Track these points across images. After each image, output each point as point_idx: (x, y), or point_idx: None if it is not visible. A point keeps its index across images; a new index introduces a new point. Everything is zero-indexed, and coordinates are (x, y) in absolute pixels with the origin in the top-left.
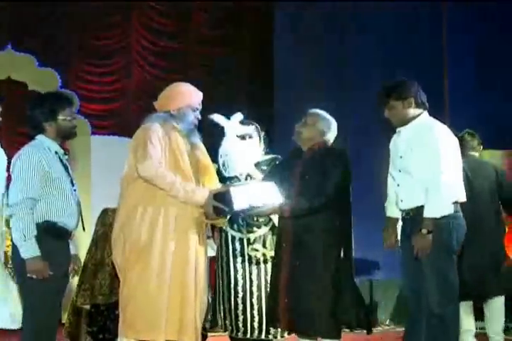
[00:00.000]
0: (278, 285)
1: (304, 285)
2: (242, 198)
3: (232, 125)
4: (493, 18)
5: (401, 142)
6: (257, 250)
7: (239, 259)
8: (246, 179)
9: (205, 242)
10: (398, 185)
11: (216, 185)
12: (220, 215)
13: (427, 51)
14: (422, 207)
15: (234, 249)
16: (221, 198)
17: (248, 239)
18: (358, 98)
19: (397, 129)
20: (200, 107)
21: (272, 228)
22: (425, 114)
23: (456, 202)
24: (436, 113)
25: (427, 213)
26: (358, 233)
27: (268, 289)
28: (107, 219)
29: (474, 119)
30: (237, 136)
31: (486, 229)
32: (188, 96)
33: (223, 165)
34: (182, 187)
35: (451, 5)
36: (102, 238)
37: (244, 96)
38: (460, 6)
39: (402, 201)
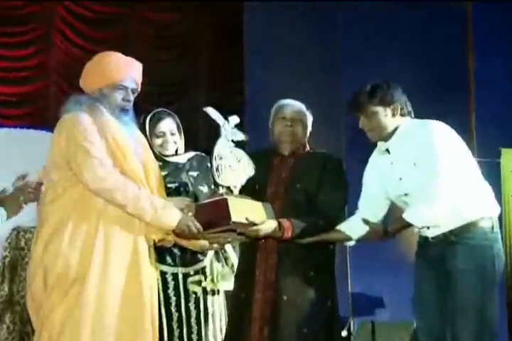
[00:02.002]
0: (249, 324)
1: (293, 326)
2: (239, 210)
3: (229, 128)
4: None
5: (395, 161)
6: (198, 283)
7: (172, 301)
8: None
9: (155, 269)
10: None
11: (164, 195)
12: (208, 230)
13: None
14: (454, 229)
15: (165, 288)
16: (213, 209)
17: (186, 274)
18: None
19: (380, 146)
20: (135, 85)
21: (217, 255)
22: (409, 119)
23: (490, 218)
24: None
25: (407, 215)
26: (357, 263)
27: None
28: (18, 241)
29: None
30: (232, 141)
31: None
32: (110, 70)
33: (217, 170)
34: (149, 203)
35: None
36: (11, 267)
37: (207, 76)
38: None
39: (428, 228)
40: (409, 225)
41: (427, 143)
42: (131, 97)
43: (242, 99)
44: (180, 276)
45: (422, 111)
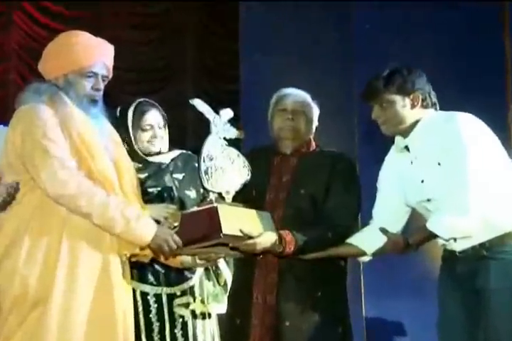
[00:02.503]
0: None
1: None
2: (231, 221)
3: (220, 123)
4: None
5: (416, 160)
6: (186, 306)
7: (155, 326)
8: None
9: (130, 287)
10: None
11: (140, 201)
12: (194, 244)
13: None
14: (486, 242)
15: (147, 312)
16: (201, 219)
17: (171, 295)
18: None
19: (398, 142)
20: (106, 71)
21: (207, 272)
22: (432, 111)
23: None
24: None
25: (430, 225)
26: (373, 282)
27: None
28: None
29: None
30: (224, 138)
31: None
32: (77, 54)
33: (205, 172)
34: (120, 213)
35: None
36: None
37: (195, 61)
38: None
39: (455, 241)
40: (433, 236)
41: (454, 138)
42: (102, 85)
43: (236, 89)
44: (165, 298)
45: (449, 105)
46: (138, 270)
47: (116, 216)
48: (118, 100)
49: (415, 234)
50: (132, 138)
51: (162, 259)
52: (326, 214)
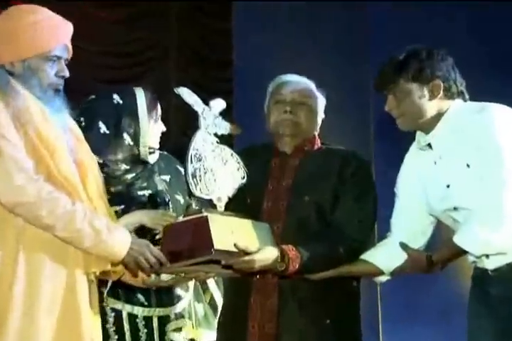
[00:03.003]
0: None
1: None
2: (224, 234)
3: (211, 116)
4: None
5: (440, 161)
6: (178, 330)
7: None
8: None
9: (98, 311)
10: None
11: (106, 207)
12: (179, 261)
13: None
14: None
15: (135, 338)
16: (188, 231)
17: (164, 318)
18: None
19: (419, 138)
20: (67, 54)
21: (195, 292)
22: (459, 102)
23: None
24: None
25: (458, 239)
26: (391, 307)
27: None
28: None
29: None
30: (215, 135)
31: None
32: (40, 35)
33: (193, 176)
34: (88, 224)
35: None
36: None
37: (180, 44)
38: None
39: (488, 257)
40: (462, 252)
41: (486, 135)
42: (67, 72)
43: (229, 76)
44: (156, 320)
45: (482, 95)
46: (125, 288)
47: (84, 227)
48: (89, 89)
49: (440, 249)
50: (144, 131)
51: (127, 277)
52: (336, 225)
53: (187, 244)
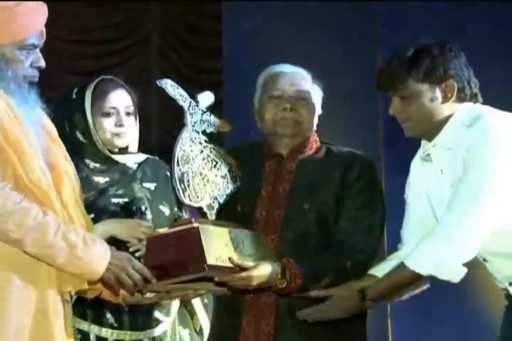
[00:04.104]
0: None
1: None
2: (217, 247)
3: (198, 112)
4: None
5: (441, 176)
6: None
7: None
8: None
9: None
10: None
11: (84, 216)
12: (166, 279)
13: None
14: None
15: None
16: (177, 244)
17: None
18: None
19: (423, 146)
20: (41, 41)
21: (180, 315)
22: (468, 105)
23: None
24: None
25: (409, 260)
26: (403, 329)
27: None
28: None
29: None
30: (203, 133)
31: None
32: (14, 21)
33: (180, 180)
34: (61, 237)
35: None
36: None
37: (162, 27)
38: None
39: (501, 272)
40: (405, 284)
41: (473, 155)
42: (43, 62)
43: (218, 66)
44: None
45: (494, 101)
46: (93, 308)
47: (56, 242)
48: (60, 81)
49: (377, 283)
50: (92, 127)
51: (104, 294)
52: (340, 236)
53: (175, 258)
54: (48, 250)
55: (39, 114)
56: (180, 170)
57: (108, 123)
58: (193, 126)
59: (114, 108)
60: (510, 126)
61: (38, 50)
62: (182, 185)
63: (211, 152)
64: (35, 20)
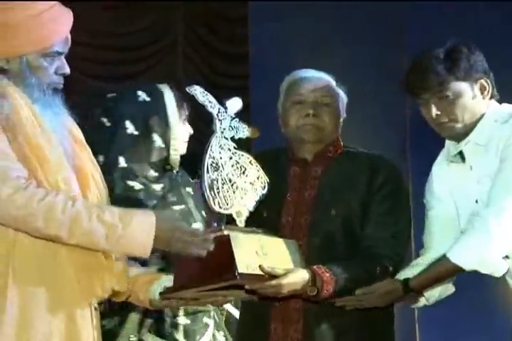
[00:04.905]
0: None
1: None
2: (248, 255)
3: (227, 119)
4: None
5: (471, 173)
6: None
7: None
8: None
9: None
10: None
11: None
12: (191, 287)
13: None
14: None
15: None
16: (208, 253)
17: None
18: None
19: (448, 147)
20: (66, 48)
21: (217, 321)
22: (495, 104)
23: None
24: None
25: (452, 254)
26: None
27: None
28: None
29: None
30: (231, 139)
31: None
32: (41, 29)
33: (210, 188)
34: (96, 220)
35: None
36: None
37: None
38: None
39: None
40: (448, 274)
41: (508, 148)
42: (68, 68)
43: (245, 70)
44: None
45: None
46: (154, 319)
47: (92, 227)
48: (84, 86)
49: (420, 275)
50: (172, 133)
51: (132, 299)
52: (368, 243)
53: (206, 266)
54: (87, 237)
55: (64, 119)
56: (210, 177)
57: (184, 132)
58: (222, 132)
59: (187, 116)
60: None
61: (62, 56)
62: (212, 192)
63: (239, 158)
64: (59, 28)
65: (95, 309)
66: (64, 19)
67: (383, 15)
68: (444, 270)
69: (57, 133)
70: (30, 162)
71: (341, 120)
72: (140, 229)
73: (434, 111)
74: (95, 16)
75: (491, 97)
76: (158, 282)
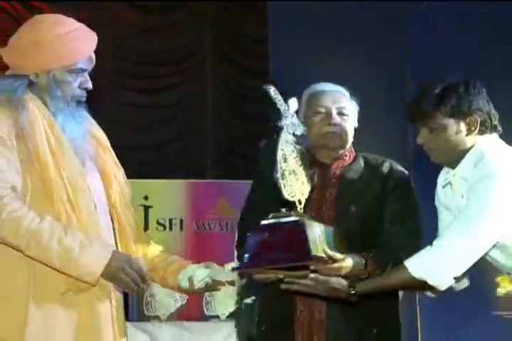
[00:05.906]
0: None
1: None
2: (316, 240)
3: (290, 116)
4: None
5: (461, 200)
6: None
7: None
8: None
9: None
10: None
11: (136, 220)
12: (270, 265)
13: None
14: None
15: None
16: (282, 237)
17: None
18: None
19: (443, 172)
20: (90, 66)
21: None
22: (487, 138)
23: None
24: None
25: (409, 264)
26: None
27: None
28: None
29: None
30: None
31: None
32: (68, 46)
33: (283, 177)
34: (56, 241)
35: None
36: None
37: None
38: None
39: None
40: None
41: (474, 186)
42: (90, 84)
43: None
44: None
45: None
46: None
47: (51, 246)
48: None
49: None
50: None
51: (155, 281)
52: (384, 238)
53: (279, 248)
54: (44, 254)
55: (87, 127)
56: (281, 168)
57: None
58: (287, 128)
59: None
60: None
61: (86, 73)
62: (284, 181)
63: (298, 152)
64: (83, 48)
65: (115, 307)
66: (88, 39)
67: (392, 39)
68: (395, 277)
69: (77, 141)
70: (41, 175)
71: (353, 128)
72: (93, 259)
73: (419, 139)
74: (139, 38)
75: (484, 131)
76: (184, 272)
